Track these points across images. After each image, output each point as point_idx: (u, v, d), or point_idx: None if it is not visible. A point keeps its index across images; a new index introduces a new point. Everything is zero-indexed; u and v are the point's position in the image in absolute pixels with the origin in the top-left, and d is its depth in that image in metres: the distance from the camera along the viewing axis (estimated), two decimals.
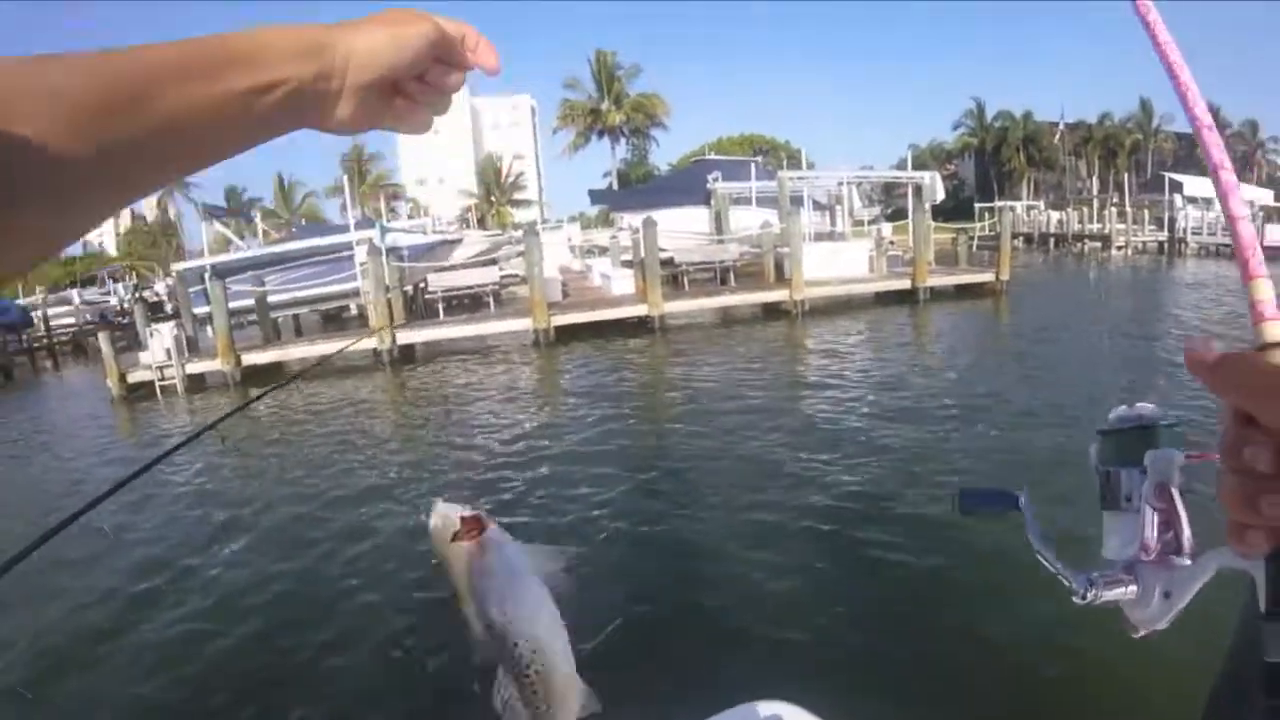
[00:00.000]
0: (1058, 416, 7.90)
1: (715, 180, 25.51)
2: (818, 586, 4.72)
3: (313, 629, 4.70)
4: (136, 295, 35.95)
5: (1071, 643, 3.58)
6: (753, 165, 23.47)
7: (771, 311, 17.46)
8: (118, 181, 0.43)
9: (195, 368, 15.11)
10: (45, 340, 31.37)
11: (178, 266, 22.91)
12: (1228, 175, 0.43)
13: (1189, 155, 58.04)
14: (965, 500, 0.80)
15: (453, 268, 18.36)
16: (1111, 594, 0.62)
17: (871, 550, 5.13)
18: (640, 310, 16.26)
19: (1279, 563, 0.40)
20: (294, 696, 4.03)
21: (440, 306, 17.64)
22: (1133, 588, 0.61)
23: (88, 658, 4.66)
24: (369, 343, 15.35)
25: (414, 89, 0.54)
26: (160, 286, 38.71)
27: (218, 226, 25.82)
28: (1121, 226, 36.04)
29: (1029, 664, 3.72)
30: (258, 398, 1.86)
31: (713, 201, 25.40)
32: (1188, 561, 0.59)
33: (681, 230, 21.27)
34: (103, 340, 15.68)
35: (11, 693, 4.34)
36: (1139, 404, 0.64)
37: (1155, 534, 0.60)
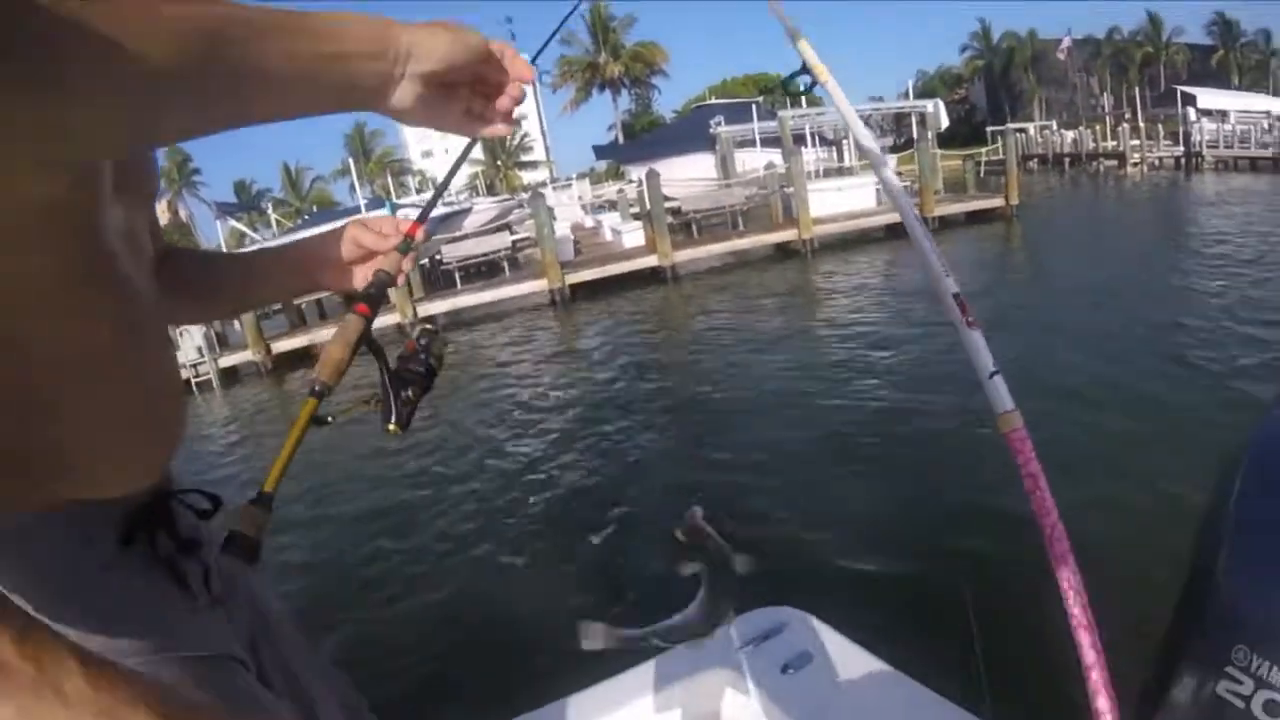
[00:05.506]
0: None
1: (718, 125, 25.40)
2: (845, 504, 4.93)
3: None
4: None
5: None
6: (754, 106, 23.26)
7: (782, 251, 17.57)
8: (195, 104, 0.49)
9: (227, 361, 15.46)
10: None
11: None
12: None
13: (1203, 68, 56.10)
14: None
15: (465, 237, 18.52)
16: None
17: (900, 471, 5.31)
18: (651, 261, 16.43)
19: None
20: None
21: (457, 276, 17.95)
22: None
23: None
24: (392, 318, 15.71)
25: (469, 98, 0.67)
26: None
27: (231, 222, 26.11)
28: (1136, 143, 35.19)
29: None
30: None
31: (717, 146, 25.33)
32: None
33: (688, 178, 21.28)
34: None
35: None
36: None
37: None
